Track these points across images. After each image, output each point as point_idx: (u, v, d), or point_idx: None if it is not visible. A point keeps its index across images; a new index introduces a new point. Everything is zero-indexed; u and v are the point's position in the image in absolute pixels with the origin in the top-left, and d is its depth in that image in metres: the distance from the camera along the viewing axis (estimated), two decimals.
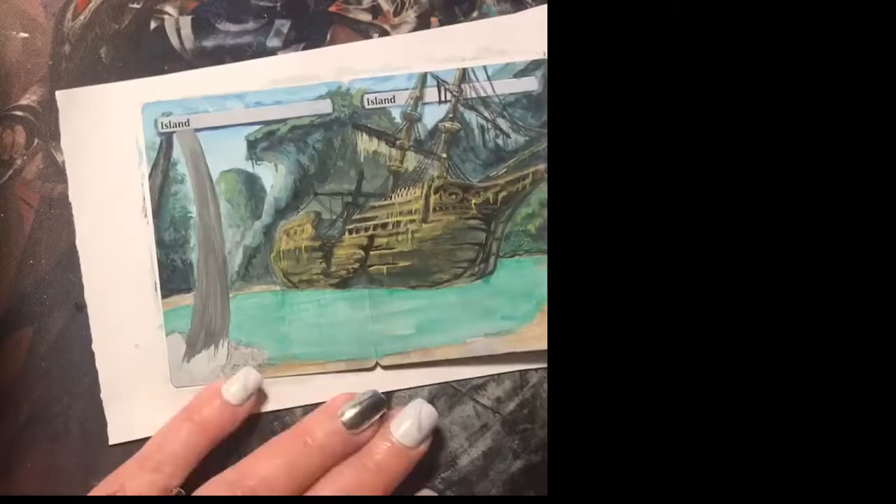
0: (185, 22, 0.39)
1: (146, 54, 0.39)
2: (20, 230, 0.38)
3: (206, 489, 0.33)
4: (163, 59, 0.38)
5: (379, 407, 0.35)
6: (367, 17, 0.39)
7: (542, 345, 0.37)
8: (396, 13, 0.39)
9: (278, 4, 0.39)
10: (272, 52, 0.39)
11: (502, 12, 0.39)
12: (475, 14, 0.39)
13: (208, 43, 0.39)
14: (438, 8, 0.39)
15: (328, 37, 0.39)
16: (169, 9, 0.39)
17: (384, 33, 0.39)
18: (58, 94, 0.38)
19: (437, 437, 0.37)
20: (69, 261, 0.38)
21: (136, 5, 0.39)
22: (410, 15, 0.39)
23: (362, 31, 0.39)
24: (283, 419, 0.37)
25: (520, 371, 0.38)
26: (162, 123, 0.37)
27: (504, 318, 0.37)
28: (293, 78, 0.37)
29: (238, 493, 0.32)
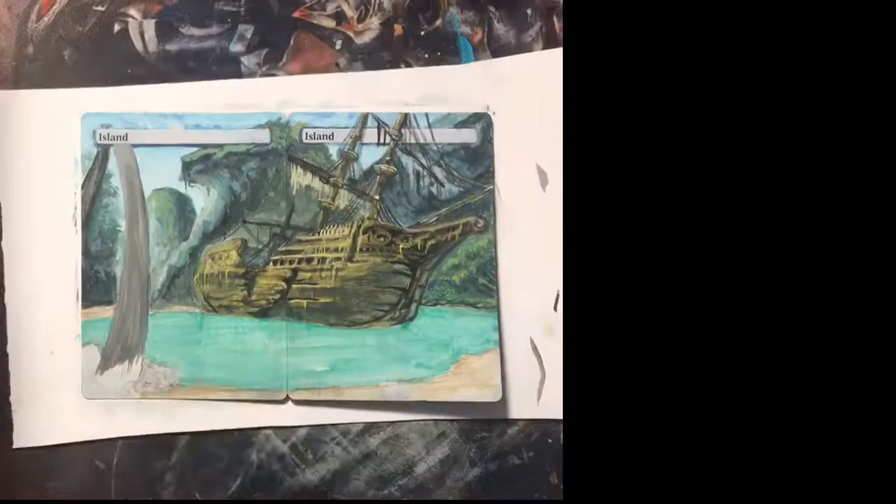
0: (149, 25, 0.39)
1: (110, 57, 0.39)
2: None
3: None
4: (126, 61, 0.39)
5: None
6: (330, 24, 0.39)
7: (453, 397, 0.37)
8: (360, 20, 0.39)
9: (242, 9, 0.39)
10: (235, 56, 0.39)
11: (465, 21, 0.39)
12: (438, 22, 0.39)
13: (172, 46, 0.39)
14: (402, 15, 0.39)
15: (291, 42, 0.39)
16: (133, 12, 0.39)
17: (348, 40, 0.39)
18: None
19: (394, 443, 0.37)
20: None
21: (100, 8, 0.39)
22: (374, 22, 0.39)
23: (326, 37, 0.39)
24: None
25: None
26: (100, 135, 0.37)
27: (419, 366, 0.37)
28: (235, 105, 0.38)
29: None
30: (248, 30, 0.39)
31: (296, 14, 0.39)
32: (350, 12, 0.39)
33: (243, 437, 0.38)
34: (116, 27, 0.39)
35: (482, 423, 0.38)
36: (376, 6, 0.39)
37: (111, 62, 0.39)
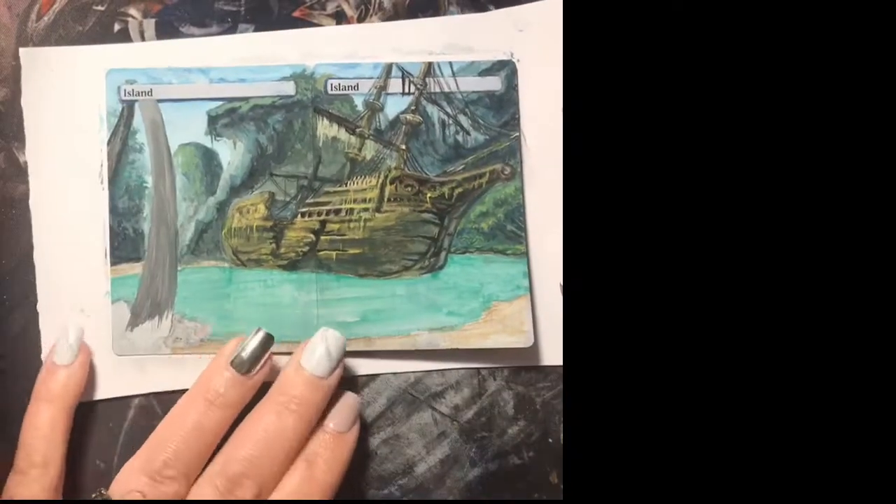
0: (149, 25, 0.39)
1: None
2: None
3: (118, 483, 0.33)
4: None
5: (266, 345, 0.35)
6: (330, 23, 0.39)
7: (485, 343, 0.37)
8: (360, 19, 0.39)
9: (242, 9, 0.39)
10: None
11: None
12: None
13: None
14: (402, 14, 0.39)
15: None
16: (133, 12, 0.39)
17: None
18: (22, 52, 0.38)
19: (394, 443, 0.38)
20: (29, 262, 0.38)
21: (100, 7, 0.39)
22: (374, 20, 0.39)
23: None
24: None
25: (478, 379, 0.38)
26: (125, 91, 0.37)
27: (450, 314, 0.37)
28: (259, 57, 0.38)
29: (150, 477, 0.32)
30: (248, 29, 0.39)
31: (296, 14, 0.39)
32: (350, 11, 0.39)
33: None
34: (116, 27, 0.39)
35: (483, 426, 0.38)
36: (376, 5, 0.39)
37: None
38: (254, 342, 0.35)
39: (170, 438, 0.33)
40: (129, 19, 0.39)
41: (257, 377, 0.35)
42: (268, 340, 0.35)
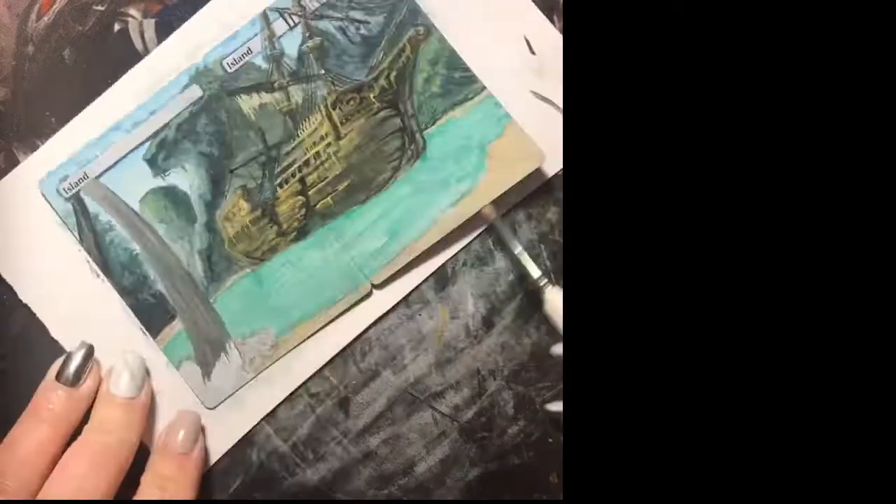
0: (149, 25, 0.39)
1: (110, 57, 0.38)
2: None
3: None
4: (126, 62, 0.38)
5: (88, 354, 0.35)
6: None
7: (506, 184, 0.37)
8: None
9: None
10: None
11: None
12: None
13: None
14: None
15: None
16: (133, 12, 0.39)
17: None
18: None
19: (394, 443, 0.38)
20: None
21: (100, 7, 0.39)
22: None
23: None
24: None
25: (478, 379, 0.38)
26: (64, 189, 0.37)
27: (459, 181, 0.37)
28: (154, 83, 0.37)
29: (2, 497, 0.33)
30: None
31: None
32: None
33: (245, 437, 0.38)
34: (116, 27, 0.39)
35: (483, 426, 0.38)
36: None
37: (111, 62, 0.38)
38: (77, 355, 0.35)
39: (8, 462, 0.33)
40: (129, 19, 0.39)
41: (86, 388, 0.35)
42: (89, 350, 0.36)
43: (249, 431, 0.37)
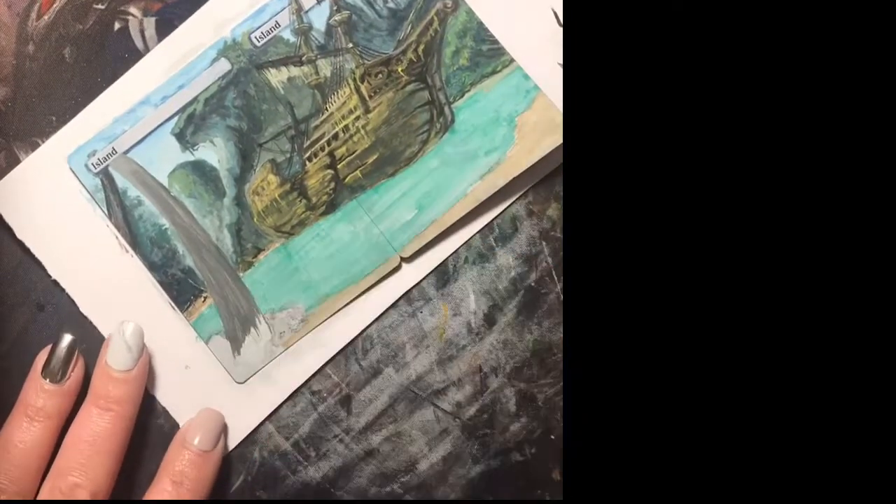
0: (150, 23, 0.38)
1: (110, 55, 0.38)
2: None
3: None
4: (127, 60, 0.38)
5: (72, 348, 0.35)
6: None
7: (534, 156, 0.37)
8: None
9: None
10: None
11: None
12: None
13: None
14: None
15: None
16: (133, 10, 0.39)
17: None
18: None
19: (396, 441, 0.38)
20: (30, 261, 0.38)
21: (100, 6, 0.39)
22: None
23: None
24: None
25: (480, 376, 0.38)
26: (92, 164, 0.37)
27: (488, 153, 0.37)
28: (180, 59, 0.37)
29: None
30: None
31: None
32: None
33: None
34: (117, 25, 0.38)
35: (485, 423, 0.38)
36: None
37: (112, 60, 0.38)
38: (60, 349, 0.35)
39: (3, 462, 0.33)
40: (130, 17, 0.38)
41: (71, 383, 0.35)
42: (73, 344, 0.36)
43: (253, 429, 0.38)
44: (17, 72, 0.38)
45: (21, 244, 0.37)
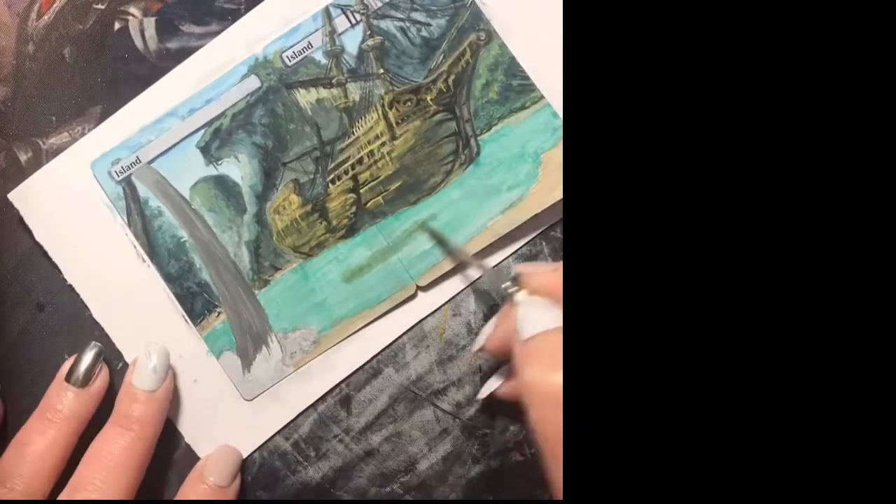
0: (149, 23, 0.39)
1: (110, 55, 0.38)
2: None
3: None
4: (127, 60, 0.38)
5: (98, 356, 0.36)
6: None
7: (557, 195, 0.37)
8: None
9: (242, 7, 0.38)
10: None
11: None
12: None
13: (172, 44, 0.38)
14: None
15: None
16: (133, 10, 0.39)
17: None
18: (11, 196, 0.38)
19: (396, 441, 0.38)
20: (30, 260, 0.38)
21: (100, 6, 0.39)
22: None
23: None
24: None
25: (479, 376, 0.38)
26: (115, 172, 0.37)
27: (511, 189, 0.37)
28: (211, 72, 0.37)
29: (9, 497, 0.33)
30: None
31: None
32: None
33: None
34: (117, 25, 0.39)
35: (485, 423, 0.38)
36: None
37: (112, 60, 0.38)
38: (87, 357, 0.36)
39: (15, 463, 0.34)
40: (130, 17, 0.39)
41: (94, 389, 0.36)
42: (99, 351, 0.36)
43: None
44: (17, 72, 0.39)
45: (25, 244, 0.37)
